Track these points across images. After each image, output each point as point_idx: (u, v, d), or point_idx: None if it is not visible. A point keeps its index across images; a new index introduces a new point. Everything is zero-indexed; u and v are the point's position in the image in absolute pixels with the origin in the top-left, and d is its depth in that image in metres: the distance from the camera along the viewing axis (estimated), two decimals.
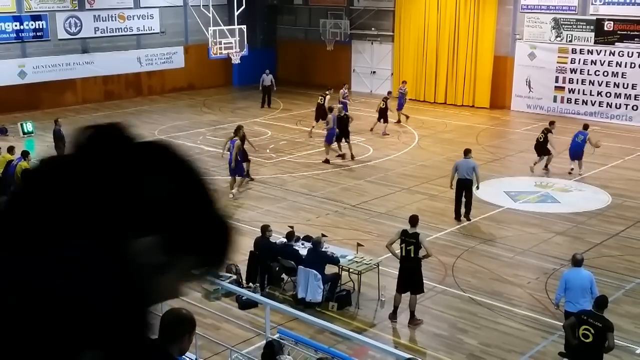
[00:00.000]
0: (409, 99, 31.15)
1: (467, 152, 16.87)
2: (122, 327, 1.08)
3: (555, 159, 21.04)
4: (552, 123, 21.37)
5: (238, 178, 18.77)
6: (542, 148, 20.76)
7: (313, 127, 24.98)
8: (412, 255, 11.91)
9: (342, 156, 22.18)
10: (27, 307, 1.03)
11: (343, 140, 22.07)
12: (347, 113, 22.67)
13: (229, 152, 18.93)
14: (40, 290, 1.03)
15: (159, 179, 1.13)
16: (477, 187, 16.97)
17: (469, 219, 16.77)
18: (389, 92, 27.51)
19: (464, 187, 16.61)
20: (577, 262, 10.97)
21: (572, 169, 20.69)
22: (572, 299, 10.62)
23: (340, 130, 21.90)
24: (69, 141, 1.17)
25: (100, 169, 1.11)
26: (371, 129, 25.82)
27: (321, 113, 24.72)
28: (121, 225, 1.09)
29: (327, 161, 21.63)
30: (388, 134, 25.47)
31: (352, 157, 22.05)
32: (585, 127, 21.10)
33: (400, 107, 27.26)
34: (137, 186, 1.11)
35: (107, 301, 1.05)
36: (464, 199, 16.73)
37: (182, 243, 1.13)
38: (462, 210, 16.84)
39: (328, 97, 25.34)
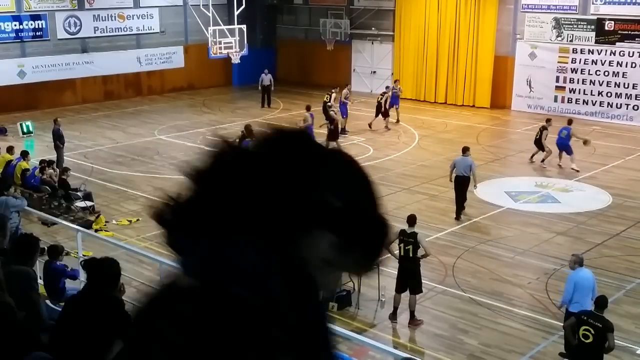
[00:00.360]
0: (409, 99, 31.23)
1: (465, 150, 17.10)
2: (300, 322, 1.17)
3: (555, 159, 21.10)
4: (548, 120, 21.77)
5: None
6: (540, 145, 21.36)
7: (322, 125, 25.13)
8: (411, 255, 11.89)
9: None
10: (209, 311, 1.11)
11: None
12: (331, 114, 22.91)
13: None
14: (225, 292, 1.12)
15: (334, 181, 1.23)
16: (475, 187, 17.18)
17: (463, 209, 16.99)
18: (387, 87, 27.68)
19: (461, 184, 16.90)
20: (581, 261, 10.93)
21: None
22: (580, 299, 10.48)
23: (334, 131, 22.34)
24: (254, 139, 1.25)
25: (283, 169, 1.20)
26: (369, 125, 26.24)
27: (327, 111, 24.97)
28: (299, 223, 1.19)
29: None
30: (389, 128, 25.92)
31: None
32: (569, 122, 21.56)
33: (396, 105, 27.29)
34: (314, 188, 1.20)
35: (285, 299, 1.15)
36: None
37: (350, 240, 1.23)
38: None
39: (334, 95, 25.39)
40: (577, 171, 20.60)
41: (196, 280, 1.15)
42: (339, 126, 23.27)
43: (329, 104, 24.38)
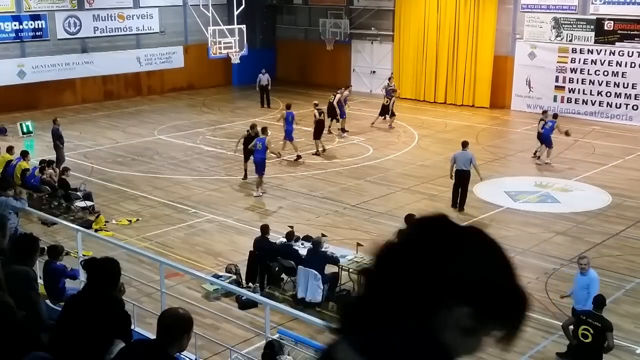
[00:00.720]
0: (409, 99, 31.27)
1: (464, 145, 17.54)
2: None
3: (553, 158, 21.15)
4: (544, 112, 22.45)
5: (259, 177, 18.83)
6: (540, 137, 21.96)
7: (329, 125, 25.14)
8: None
9: (319, 153, 22.85)
10: None
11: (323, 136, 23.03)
12: (319, 113, 23.02)
13: (254, 150, 18.99)
14: None
15: (471, 259, 1.39)
16: (481, 179, 17.85)
17: (462, 210, 17.15)
18: (395, 90, 27.86)
19: (461, 178, 17.22)
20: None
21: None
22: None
23: (317, 129, 22.78)
24: (402, 230, 1.46)
25: (426, 253, 1.39)
26: (372, 124, 26.52)
27: (332, 111, 25.06)
28: (441, 299, 1.36)
29: (298, 157, 22.15)
30: (393, 127, 26.35)
31: (318, 154, 22.83)
32: (554, 116, 22.21)
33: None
34: (453, 265, 1.37)
35: None
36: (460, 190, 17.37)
37: (488, 311, 1.38)
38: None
39: (339, 95, 25.45)
40: (547, 163, 21.27)
41: (361, 356, 1.35)
42: (325, 125, 23.56)
43: (316, 101, 24.49)
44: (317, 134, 22.91)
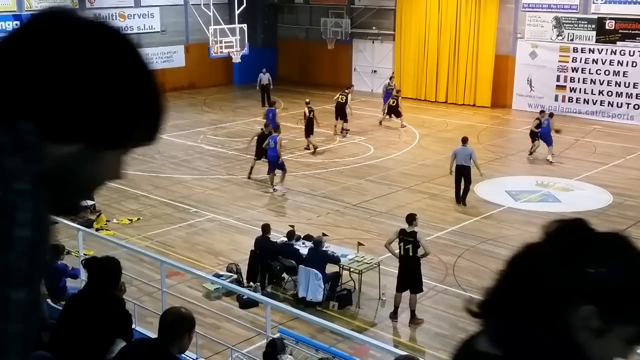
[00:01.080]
0: (410, 98, 31.24)
1: (464, 141, 17.83)
2: None
3: (554, 157, 21.15)
4: (541, 112, 22.55)
5: (280, 172, 18.83)
6: (534, 135, 22.26)
7: (335, 125, 25.12)
8: (411, 254, 11.91)
9: (314, 151, 22.99)
10: None
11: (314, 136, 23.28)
12: (308, 111, 23.07)
13: (267, 148, 19.05)
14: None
15: (605, 258, 1.40)
16: (481, 174, 18.02)
17: (464, 204, 17.51)
18: (398, 91, 27.86)
19: (462, 174, 17.48)
20: None
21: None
22: None
23: (307, 127, 23.00)
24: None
25: (561, 253, 1.40)
26: (380, 123, 26.70)
27: (342, 112, 24.98)
28: (570, 297, 1.35)
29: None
30: (405, 126, 26.31)
31: (314, 151, 23.02)
32: (550, 115, 22.43)
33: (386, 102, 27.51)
34: (585, 263, 1.38)
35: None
36: (462, 185, 17.63)
37: (617, 314, 1.36)
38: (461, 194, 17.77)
39: (350, 96, 25.44)
40: (551, 163, 21.35)
41: (497, 349, 1.38)
42: (315, 123, 23.55)
43: (307, 99, 24.49)
44: (308, 132, 22.91)
